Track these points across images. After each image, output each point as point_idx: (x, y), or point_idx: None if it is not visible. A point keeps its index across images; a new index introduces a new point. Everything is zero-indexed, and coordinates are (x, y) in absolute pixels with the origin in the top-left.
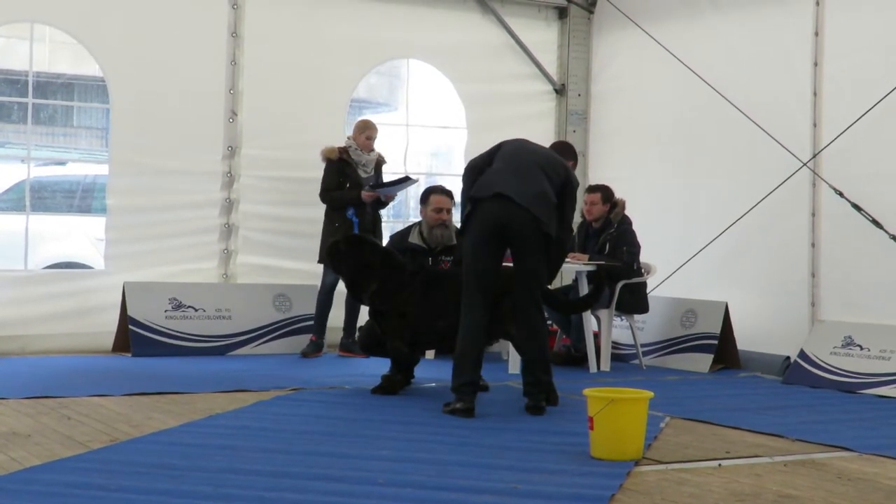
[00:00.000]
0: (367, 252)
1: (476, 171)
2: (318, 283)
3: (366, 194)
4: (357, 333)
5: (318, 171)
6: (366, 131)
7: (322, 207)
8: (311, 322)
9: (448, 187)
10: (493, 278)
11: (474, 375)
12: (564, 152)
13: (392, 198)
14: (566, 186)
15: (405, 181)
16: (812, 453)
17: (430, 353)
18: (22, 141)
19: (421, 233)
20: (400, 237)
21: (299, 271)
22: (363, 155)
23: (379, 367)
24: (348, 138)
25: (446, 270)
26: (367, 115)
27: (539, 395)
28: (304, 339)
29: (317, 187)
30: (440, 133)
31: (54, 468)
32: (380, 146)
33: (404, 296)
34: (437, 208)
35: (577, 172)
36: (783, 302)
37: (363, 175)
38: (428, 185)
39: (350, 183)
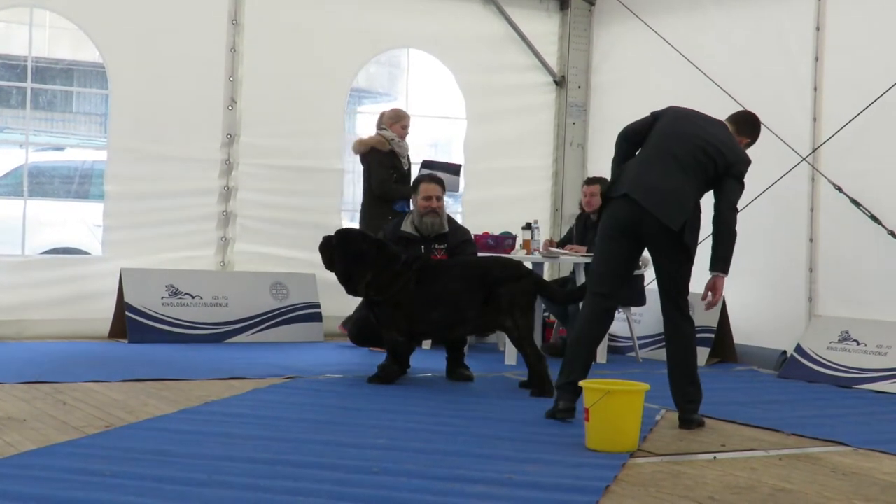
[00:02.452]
0: (360, 243)
1: (629, 141)
2: (316, 271)
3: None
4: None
5: (317, 159)
6: (401, 120)
7: (325, 198)
8: (308, 310)
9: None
10: (614, 280)
11: (579, 375)
12: (741, 126)
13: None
14: (730, 169)
15: (457, 167)
16: (808, 447)
17: (426, 344)
18: (20, 126)
19: (413, 221)
20: (393, 227)
21: (297, 260)
22: (404, 145)
23: (375, 356)
24: (382, 129)
25: (442, 260)
26: (368, 104)
27: (689, 407)
28: (300, 328)
29: (316, 176)
30: (440, 123)
31: (49, 453)
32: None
33: (399, 285)
34: (427, 196)
35: (576, 164)
36: (780, 296)
37: (405, 167)
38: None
39: (398, 175)
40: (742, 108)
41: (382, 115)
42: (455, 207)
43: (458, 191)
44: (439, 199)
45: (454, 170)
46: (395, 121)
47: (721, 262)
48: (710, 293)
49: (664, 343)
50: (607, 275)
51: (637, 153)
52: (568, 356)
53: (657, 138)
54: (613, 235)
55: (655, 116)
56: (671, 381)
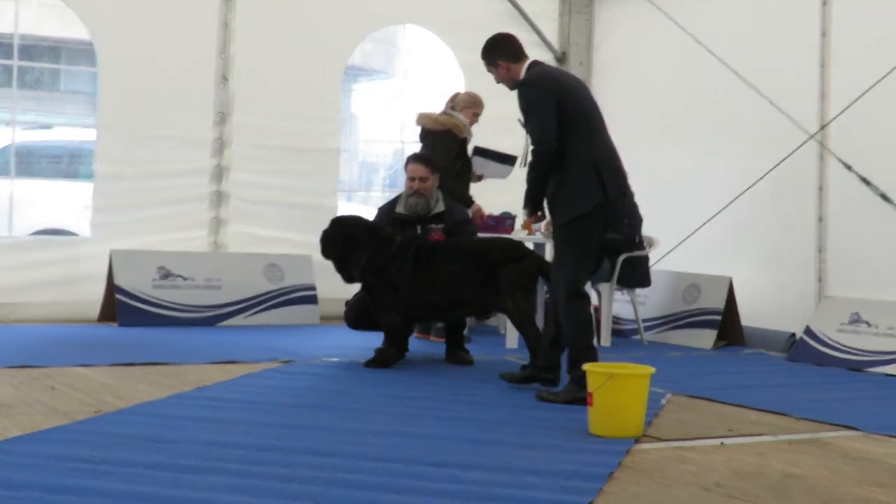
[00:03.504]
0: (351, 227)
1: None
2: (312, 252)
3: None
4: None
5: (312, 138)
6: (476, 107)
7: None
8: (304, 292)
9: (428, 153)
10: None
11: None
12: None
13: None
14: None
15: (512, 158)
16: (817, 432)
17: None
18: (7, 105)
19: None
20: (388, 208)
21: (292, 241)
22: (471, 134)
23: (372, 340)
24: (452, 110)
25: (440, 241)
26: (364, 82)
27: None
28: (295, 311)
29: (311, 156)
30: (439, 102)
31: (37, 439)
32: (375, 114)
33: (395, 267)
34: (410, 177)
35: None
36: (789, 277)
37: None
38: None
39: (461, 165)
40: (744, 83)
41: (456, 96)
42: None
43: (503, 178)
44: (423, 180)
45: (510, 160)
46: (470, 106)
47: None
48: None
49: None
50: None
51: (577, 140)
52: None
53: (587, 119)
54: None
55: (558, 97)
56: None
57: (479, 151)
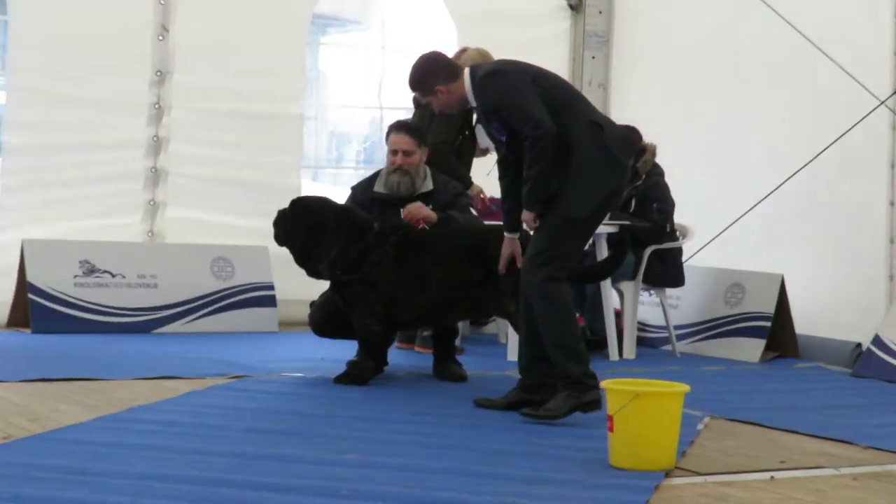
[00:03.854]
0: (319, 211)
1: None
2: (269, 243)
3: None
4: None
5: (271, 102)
6: None
7: None
8: (259, 292)
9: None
10: None
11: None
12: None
13: None
14: None
15: None
16: (888, 464)
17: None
18: None
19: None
20: (363, 187)
21: (245, 229)
22: None
23: (343, 350)
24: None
25: (428, 231)
26: (334, 34)
27: None
28: (249, 315)
29: (270, 124)
30: None
31: None
32: (348, 73)
33: (373, 261)
34: (393, 150)
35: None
36: (854, 275)
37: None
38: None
39: (464, 140)
40: (801, 38)
41: (463, 52)
42: None
43: None
44: (408, 153)
45: None
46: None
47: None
48: None
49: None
50: None
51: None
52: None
53: (574, 98)
54: None
55: (533, 76)
56: None
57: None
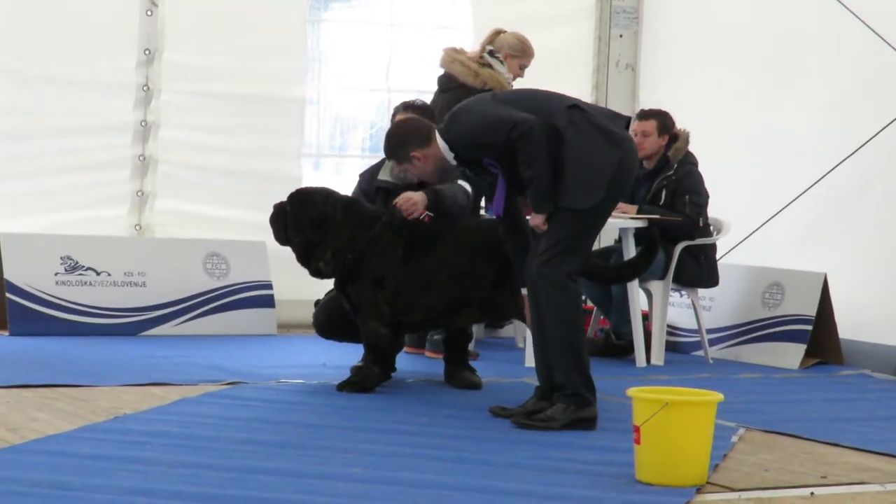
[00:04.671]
0: (322, 203)
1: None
2: (266, 237)
3: None
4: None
5: (269, 84)
6: (525, 57)
7: None
8: (256, 292)
9: (423, 100)
10: None
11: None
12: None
13: None
14: None
15: None
16: None
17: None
18: None
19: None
20: (370, 175)
21: (240, 222)
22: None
23: (348, 355)
24: (493, 56)
25: (440, 224)
26: (338, 10)
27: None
28: (244, 316)
29: (268, 108)
30: (436, 37)
31: None
32: (353, 53)
33: (379, 251)
34: None
35: (624, 92)
36: None
37: None
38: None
39: None
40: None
41: (497, 36)
42: None
43: None
44: None
45: None
46: (519, 55)
47: None
48: None
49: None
50: None
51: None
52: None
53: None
54: None
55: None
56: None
57: None
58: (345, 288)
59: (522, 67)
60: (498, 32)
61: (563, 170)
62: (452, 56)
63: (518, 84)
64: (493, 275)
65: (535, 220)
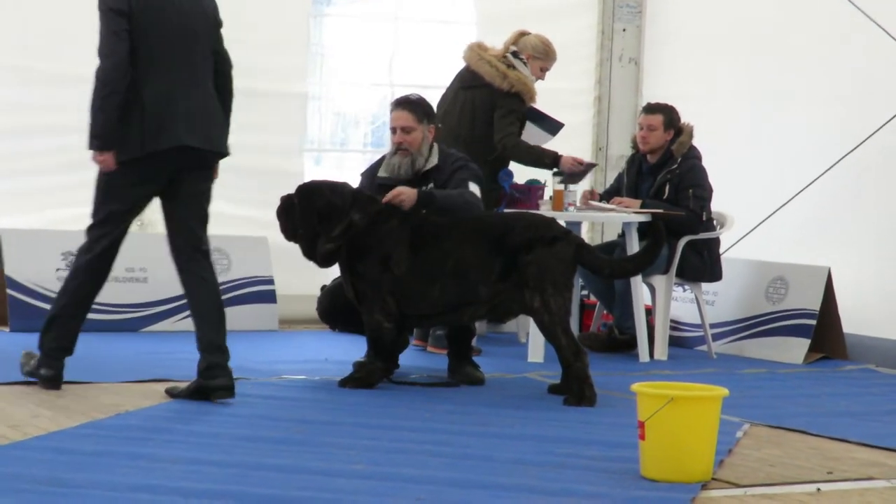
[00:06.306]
0: (329, 193)
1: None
2: (268, 233)
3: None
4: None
5: (271, 79)
6: (548, 60)
7: None
8: (258, 287)
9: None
10: None
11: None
12: None
13: None
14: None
15: (557, 126)
16: None
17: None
18: None
19: None
20: (371, 171)
21: (242, 218)
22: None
23: (350, 349)
24: (514, 56)
25: (444, 217)
26: (341, 3)
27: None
28: (246, 312)
29: (270, 103)
30: (438, 30)
31: None
32: (356, 47)
33: (388, 229)
34: (392, 128)
35: (628, 86)
36: None
37: None
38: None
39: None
40: (856, 12)
41: (521, 37)
42: None
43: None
44: (407, 130)
45: (554, 128)
46: (542, 57)
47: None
48: None
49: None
50: None
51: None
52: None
53: (158, 42)
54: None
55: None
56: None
57: (531, 113)
58: (352, 266)
59: (544, 70)
60: (522, 34)
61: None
62: (479, 54)
63: (537, 86)
64: (499, 268)
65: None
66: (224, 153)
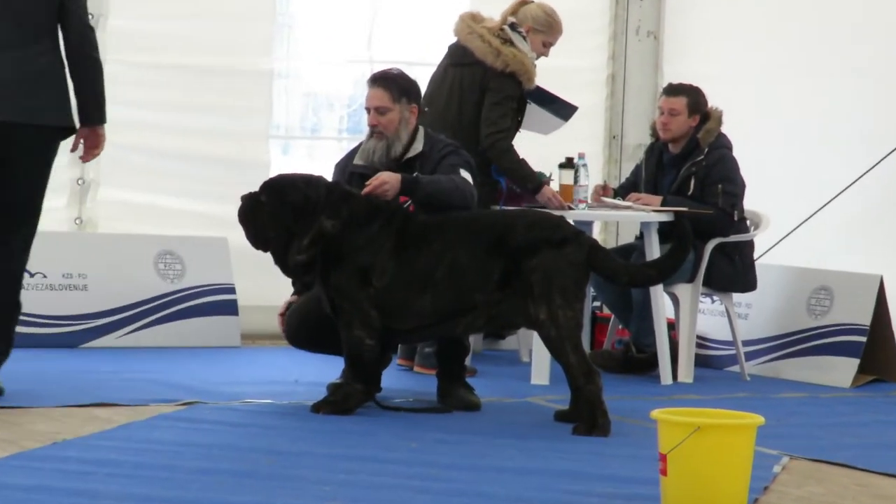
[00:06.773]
0: (305, 186)
1: None
2: (228, 233)
3: None
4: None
5: (233, 55)
6: (551, 34)
7: None
8: (216, 296)
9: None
10: None
11: None
12: None
13: None
14: None
15: (570, 110)
16: None
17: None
18: None
19: None
20: (344, 163)
21: (197, 215)
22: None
23: (325, 370)
24: (513, 29)
25: (433, 217)
26: None
27: None
28: (203, 325)
29: (231, 82)
30: (433, 5)
31: None
32: (329, 20)
33: (366, 238)
34: (366, 107)
35: (645, 64)
36: None
37: None
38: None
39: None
40: None
41: (521, 6)
42: None
43: (545, 133)
44: (381, 111)
45: (566, 112)
46: (544, 30)
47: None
48: None
49: None
50: None
51: None
52: None
53: None
54: None
55: None
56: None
57: (539, 95)
58: (328, 278)
59: (547, 45)
60: (523, 2)
61: None
62: (470, 26)
63: (541, 64)
64: (499, 273)
65: None
66: (47, 125)
